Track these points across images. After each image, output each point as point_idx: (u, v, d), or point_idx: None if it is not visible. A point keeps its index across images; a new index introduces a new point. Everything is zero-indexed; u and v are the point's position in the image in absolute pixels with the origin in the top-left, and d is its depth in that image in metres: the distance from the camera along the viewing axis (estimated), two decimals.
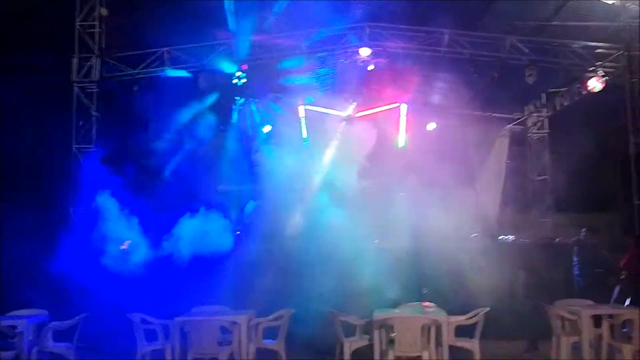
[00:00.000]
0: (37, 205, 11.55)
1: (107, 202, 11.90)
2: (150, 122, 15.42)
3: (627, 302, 10.79)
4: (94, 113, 12.38)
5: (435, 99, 16.56)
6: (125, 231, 12.01)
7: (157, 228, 12.16)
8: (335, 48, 13.02)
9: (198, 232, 12.14)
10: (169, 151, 14.79)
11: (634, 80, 12.28)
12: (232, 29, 12.85)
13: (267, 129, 14.96)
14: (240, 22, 12.95)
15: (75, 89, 12.38)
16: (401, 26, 12.76)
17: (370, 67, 13.50)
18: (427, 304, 9.22)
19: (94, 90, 12.43)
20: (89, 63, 12.44)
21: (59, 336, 8.73)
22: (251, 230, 13.10)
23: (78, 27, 12.30)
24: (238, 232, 13.86)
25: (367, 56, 13.00)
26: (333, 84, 14.83)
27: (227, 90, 13.79)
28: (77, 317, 8.73)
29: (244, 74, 13.39)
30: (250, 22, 13.08)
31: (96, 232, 11.79)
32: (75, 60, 12.40)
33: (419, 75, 16.09)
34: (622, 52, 12.50)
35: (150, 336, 8.53)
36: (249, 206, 14.58)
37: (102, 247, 11.64)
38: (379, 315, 8.33)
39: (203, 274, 10.66)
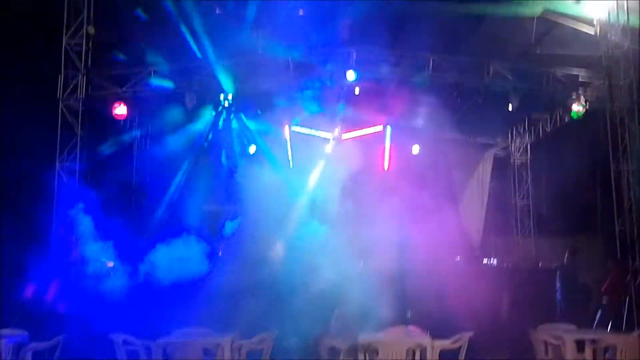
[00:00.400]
0: (18, 222, 11.41)
1: (88, 222, 11.78)
2: (135, 140, 15.43)
3: (609, 327, 10.91)
4: (79, 131, 12.28)
5: (420, 122, 16.70)
6: (106, 251, 11.90)
7: (139, 249, 12.05)
8: (322, 71, 13.10)
9: (180, 255, 12.04)
10: (153, 170, 14.77)
11: (614, 107, 12.49)
12: (218, 50, 12.91)
13: (252, 149, 14.95)
14: (226, 43, 13.03)
15: (61, 106, 12.28)
16: (387, 50, 12.89)
17: (357, 90, 13.60)
18: (411, 327, 9.22)
19: (79, 107, 12.34)
20: (75, 80, 12.36)
21: (38, 357, 8.59)
22: (233, 252, 13.03)
23: (65, 44, 12.24)
24: (220, 253, 13.78)
25: (353, 79, 13.09)
26: (319, 106, 14.90)
27: (214, 110, 13.81)
28: (57, 338, 8.60)
29: (231, 94, 13.43)
30: (236, 42, 13.17)
31: (77, 251, 11.65)
32: (61, 78, 12.32)
33: (404, 99, 16.26)
34: (603, 80, 12.73)
35: (132, 357, 8.42)
36: (228, 227, 14.49)
37: (83, 268, 11.51)
38: (363, 338, 8.32)
39: (185, 296, 10.57)
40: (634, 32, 12.39)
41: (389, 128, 16.66)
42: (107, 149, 13.32)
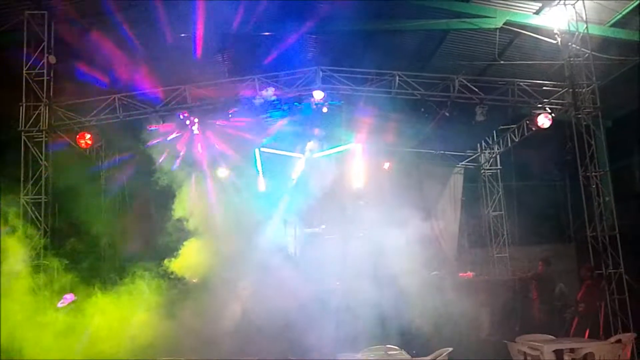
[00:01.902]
0: None
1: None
2: (102, 168, 15.19)
3: (587, 334, 10.93)
4: (43, 162, 12.01)
5: (390, 138, 16.77)
6: None
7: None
8: (289, 91, 13.07)
9: None
10: (122, 199, 14.52)
11: (579, 115, 12.64)
12: (184, 74, 12.81)
13: (222, 172, 14.79)
14: (192, 67, 12.94)
15: (24, 137, 12.01)
16: (352, 69, 12.93)
17: (325, 109, 13.60)
18: (390, 346, 9.12)
19: (42, 139, 12.09)
20: (37, 111, 12.11)
21: None
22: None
23: (25, 75, 12.01)
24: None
25: (321, 98, 13.09)
26: (288, 127, 14.86)
27: (181, 135, 13.64)
28: None
29: (198, 118, 13.30)
30: (202, 66, 13.09)
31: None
32: (22, 109, 12.07)
33: (373, 116, 16.30)
34: (567, 89, 12.90)
35: None
36: None
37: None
38: (342, 358, 8.22)
39: None
40: (594, 40, 12.64)
41: (359, 145, 16.68)
42: (73, 178, 13.03)
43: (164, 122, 12.83)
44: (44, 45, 12.00)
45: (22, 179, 11.93)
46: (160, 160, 12.98)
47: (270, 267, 11.68)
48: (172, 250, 12.36)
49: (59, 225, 12.32)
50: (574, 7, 12.36)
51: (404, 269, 11.76)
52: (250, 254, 12.03)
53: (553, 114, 13.15)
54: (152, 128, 12.92)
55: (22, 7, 11.81)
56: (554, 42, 12.91)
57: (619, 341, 9.52)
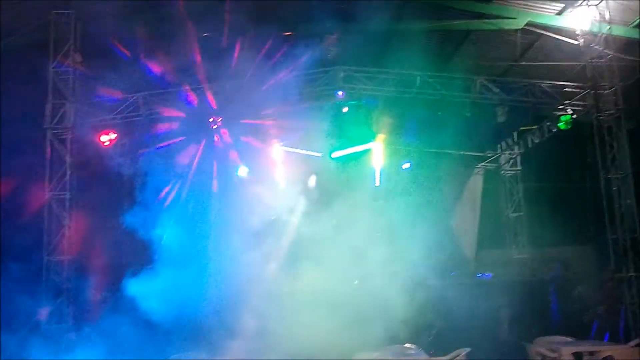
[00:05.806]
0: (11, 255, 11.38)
1: None
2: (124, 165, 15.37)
3: (606, 337, 10.88)
4: (68, 159, 12.20)
5: (409, 138, 16.77)
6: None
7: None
8: (310, 91, 13.14)
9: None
10: (144, 200, 14.68)
11: (601, 117, 12.56)
12: (207, 74, 12.94)
13: (243, 171, 14.89)
14: (214, 66, 13.05)
15: (49, 135, 12.22)
16: (373, 69, 12.96)
17: (345, 109, 13.65)
18: (408, 345, 9.17)
19: (67, 136, 12.28)
20: (62, 109, 12.31)
21: None
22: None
23: (52, 73, 12.21)
24: None
25: (341, 98, 13.14)
26: (308, 126, 14.93)
27: (203, 135, 13.78)
28: None
29: (220, 117, 13.41)
30: (224, 66, 13.18)
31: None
32: (48, 106, 12.27)
33: (393, 116, 16.30)
34: (588, 90, 12.81)
35: None
36: None
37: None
38: (360, 357, 8.28)
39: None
40: (616, 41, 12.54)
41: (379, 144, 16.68)
42: (96, 175, 13.23)
43: (186, 120, 12.95)
44: (70, 44, 12.19)
45: (47, 175, 12.14)
46: (183, 159, 13.13)
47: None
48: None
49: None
50: (597, 8, 12.27)
51: (421, 269, 11.79)
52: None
53: (574, 116, 13.09)
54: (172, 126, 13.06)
55: (49, 6, 11.99)
56: (576, 43, 12.83)
57: (639, 345, 9.46)
